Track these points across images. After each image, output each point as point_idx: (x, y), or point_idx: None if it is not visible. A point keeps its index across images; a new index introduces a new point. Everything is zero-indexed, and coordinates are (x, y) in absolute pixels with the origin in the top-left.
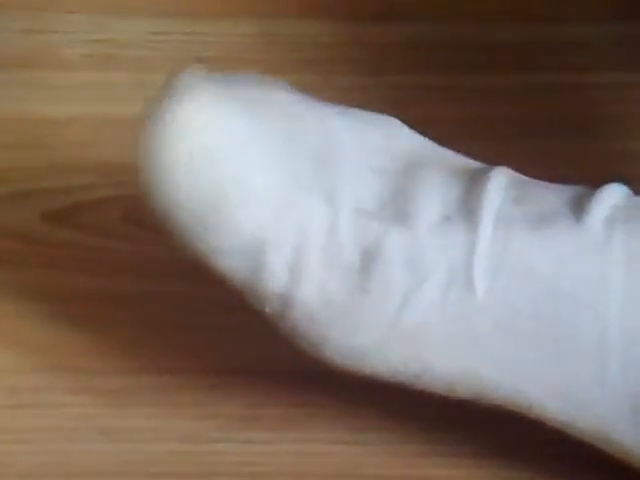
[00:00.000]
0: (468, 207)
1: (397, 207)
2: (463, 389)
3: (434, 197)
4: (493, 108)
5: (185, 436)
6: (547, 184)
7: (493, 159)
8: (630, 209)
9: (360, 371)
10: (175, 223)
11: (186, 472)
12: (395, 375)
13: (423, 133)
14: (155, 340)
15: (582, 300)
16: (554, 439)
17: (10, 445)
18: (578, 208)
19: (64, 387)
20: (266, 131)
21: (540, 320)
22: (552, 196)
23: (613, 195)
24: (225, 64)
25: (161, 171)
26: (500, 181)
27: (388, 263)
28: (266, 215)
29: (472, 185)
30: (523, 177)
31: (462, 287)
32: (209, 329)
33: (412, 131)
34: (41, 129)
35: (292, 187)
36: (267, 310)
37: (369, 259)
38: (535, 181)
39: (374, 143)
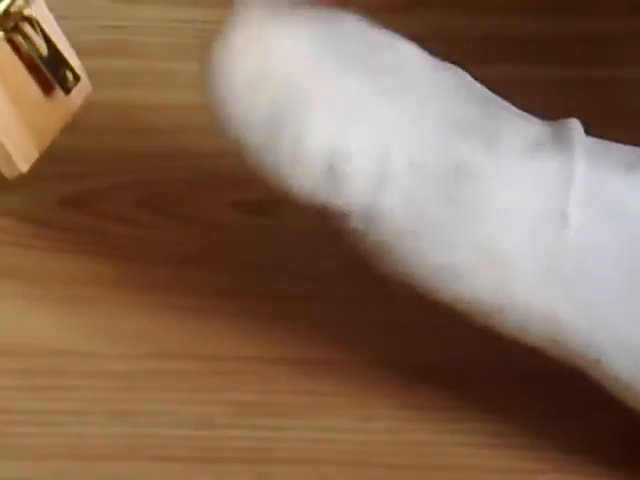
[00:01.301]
0: (558, 138)
1: (484, 130)
2: (537, 332)
3: (521, 125)
4: (525, 100)
5: (195, 421)
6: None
7: None
8: None
9: (443, 293)
10: (246, 147)
11: (195, 457)
12: (478, 303)
13: None
14: (167, 325)
15: None
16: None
17: (25, 427)
18: None
19: (76, 370)
20: (339, 49)
21: (627, 269)
22: (627, 148)
23: None
24: None
25: (231, 90)
26: (579, 125)
27: (482, 181)
28: (345, 125)
29: (553, 124)
30: None
31: (555, 218)
32: (221, 315)
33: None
34: None
35: (371, 99)
36: (352, 226)
37: (461, 173)
38: None
39: (448, 77)
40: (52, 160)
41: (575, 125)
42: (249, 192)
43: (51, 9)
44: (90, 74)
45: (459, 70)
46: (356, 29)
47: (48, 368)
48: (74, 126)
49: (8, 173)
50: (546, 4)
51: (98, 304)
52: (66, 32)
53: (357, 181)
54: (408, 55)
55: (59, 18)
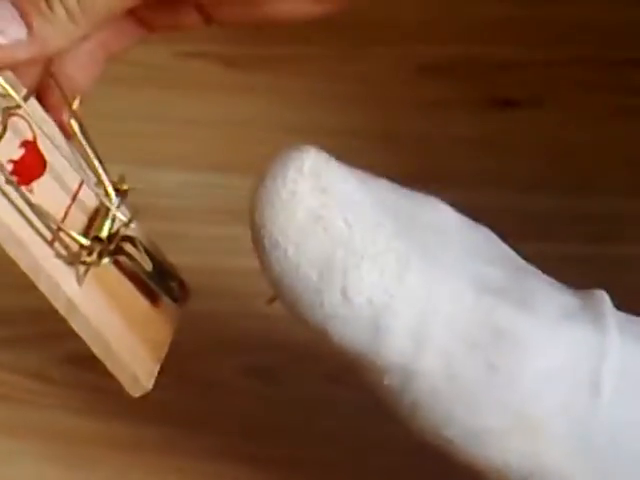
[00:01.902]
0: (590, 309)
1: (520, 294)
2: None
3: (553, 292)
4: None
5: None
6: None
7: None
8: None
9: (476, 460)
10: (290, 293)
11: None
12: (507, 471)
13: None
14: None
15: None
16: None
17: None
18: None
19: None
20: (379, 198)
21: None
22: None
23: None
24: None
25: (274, 237)
26: (608, 297)
27: (520, 346)
28: (388, 280)
29: (583, 293)
30: None
31: (588, 389)
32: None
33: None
34: None
35: (416, 257)
36: (386, 383)
37: (499, 337)
38: None
39: (480, 239)
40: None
41: (604, 296)
42: (255, 357)
43: None
44: None
45: (489, 231)
46: (396, 187)
47: None
48: None
49: (134, 392)
50: (562, 181)
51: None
52: None
53: (399, 337)
54: (447, 214)
55: None
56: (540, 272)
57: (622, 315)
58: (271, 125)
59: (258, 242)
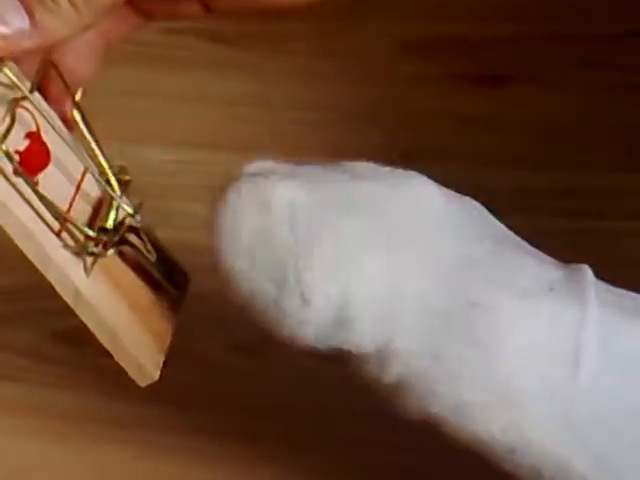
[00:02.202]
0: (572, 283)
1: (498, 268)
2: (548, 474)
3: (535, 265)
4: None
5: None
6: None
7: None
8: None
9: (460, 432)
10: (252, 307)
11: None
12: (492, 444)
13: None
14: (158, 464)
15: None
16: None
17: None
18: None
19: None
20: (330, 195)
21: None
22: (636, 296)
23: None
24: None
25: (235, 247)
26: (591, 271)
27: (498, 320)
28: (344, 272)
29: (566, 267)
30: None
31: (568, 363)
32: (207, 455)
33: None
34: None
35: (373, 244)
36: (365, 368)
37: (478, 313)
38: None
39: (464, 214)
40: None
41: (587, 270)
42: (239, 333)
43: None
44: None
45: (474, 202)
46: (368, 169)
47: None
48: None
49: (141, 381)
50: (549, 157)
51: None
52: None
53: (367, 325)
54: (428, 191)
55: None
56: (526, 244)
57: (604, 287)
58: (257, 102)
59: (221, 268)
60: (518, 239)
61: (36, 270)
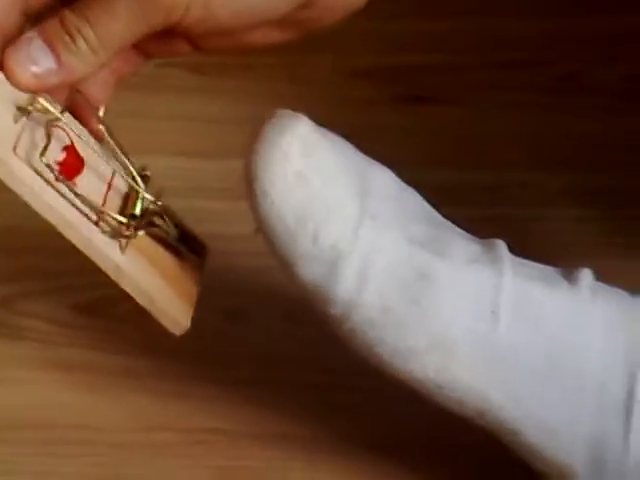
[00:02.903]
0: (491, 254)
1: (439, 244)
2: (471, 405)
3: (463, 242)
4: None
5: None
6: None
7: None
8: (603, 287)
9: (400, 373)
10: (271, 232)
11: None
12: (426, 382)
13: None
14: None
15: (581, 354)
16: None
17: None
18: (568, 276)
19: (86, 440)
20: (349, 164)
21: (545, 363)
22: (542, 266)
23: (591, 274)
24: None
25: (265, 187)
26: (505, 244)
27: (437, 284)
28: (349, 232)
29: (484, 242)
30: None
31: (489, 317)
32: (203, 396)
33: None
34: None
35: (366, 212)
36: (332, 312)
37: (422, 278)
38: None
39: (411, 200)
40: (66, 273)
41: (502, 244)
42: (228, 301)
43: None
44: None
45: (416, 193)
46: (358, 152)
47: (61, 438)
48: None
49: (177, 331)
50: (467, 159)
51: (108, 389)
52: None
53: (348, 277)
54: (389, 178)
55: None
56: (455, 226)
57: (516, 259)
58: (231, 120)
59: (250, 188)
60: (449, 223)
61: (60, 253)
